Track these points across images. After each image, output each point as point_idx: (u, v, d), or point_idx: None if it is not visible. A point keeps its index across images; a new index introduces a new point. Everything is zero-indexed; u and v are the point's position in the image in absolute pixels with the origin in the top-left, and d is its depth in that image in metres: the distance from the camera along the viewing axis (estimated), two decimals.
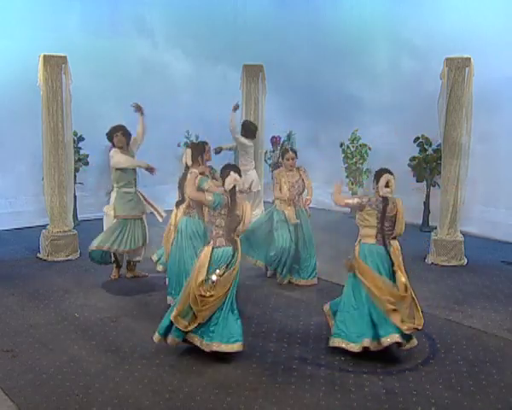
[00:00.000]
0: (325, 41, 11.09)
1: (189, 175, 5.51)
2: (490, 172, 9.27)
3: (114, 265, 7.32)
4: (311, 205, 7.38)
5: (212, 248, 5.08)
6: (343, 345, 5.15)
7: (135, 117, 7.22)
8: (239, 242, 5.19)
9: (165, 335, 5.10)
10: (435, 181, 9.86)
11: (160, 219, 7.25)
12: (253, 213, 7.27)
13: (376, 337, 5.07)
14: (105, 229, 7.07)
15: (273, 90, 10.29)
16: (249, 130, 9.50)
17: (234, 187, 5.07)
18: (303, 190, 7.27)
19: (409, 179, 9.86)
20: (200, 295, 4.93)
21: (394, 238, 5.31)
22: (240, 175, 5.16)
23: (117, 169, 6.99)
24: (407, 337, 5.12)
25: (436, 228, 8.33)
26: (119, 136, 7.00)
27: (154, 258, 6.85)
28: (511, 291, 7.08)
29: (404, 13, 10.40)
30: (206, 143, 6.40)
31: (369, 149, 10.72)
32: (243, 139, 9.42)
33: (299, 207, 7.25)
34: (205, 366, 5.01)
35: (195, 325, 5.02)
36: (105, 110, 9.52)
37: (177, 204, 6.36)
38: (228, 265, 5.04)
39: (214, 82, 11.51)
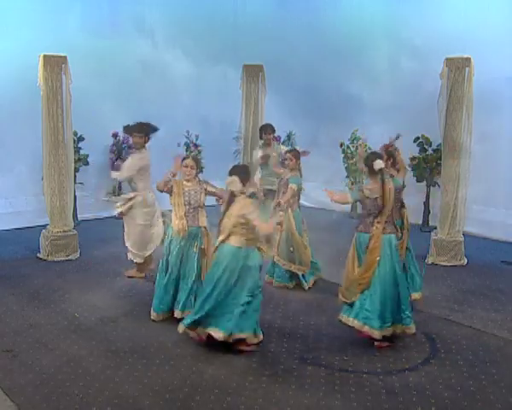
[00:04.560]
0: (325, 41, 11.08)
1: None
2: (490, 172, 9.27)
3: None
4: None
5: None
6: None
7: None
8: None
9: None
10: (435, 181, 9.86)
11: None
12: None
13: None
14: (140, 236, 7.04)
15: (273, 90, 10.29)
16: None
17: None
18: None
19: (409, 179, 9.84)
20: None
21: None
22: None
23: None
24: None
25: (436, 228, 8.34)
26: (137, 137, 6.92)
27: None
28: (511, 291, 7.08)
29: (404, 13, 10.39)
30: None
31: (370, 149, 10.70)
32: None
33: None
34: (205, 366, 5.01)
35: None
36: (105, 110, 9.53)
37: None
38: None
39: (214, 82, 11.51)
